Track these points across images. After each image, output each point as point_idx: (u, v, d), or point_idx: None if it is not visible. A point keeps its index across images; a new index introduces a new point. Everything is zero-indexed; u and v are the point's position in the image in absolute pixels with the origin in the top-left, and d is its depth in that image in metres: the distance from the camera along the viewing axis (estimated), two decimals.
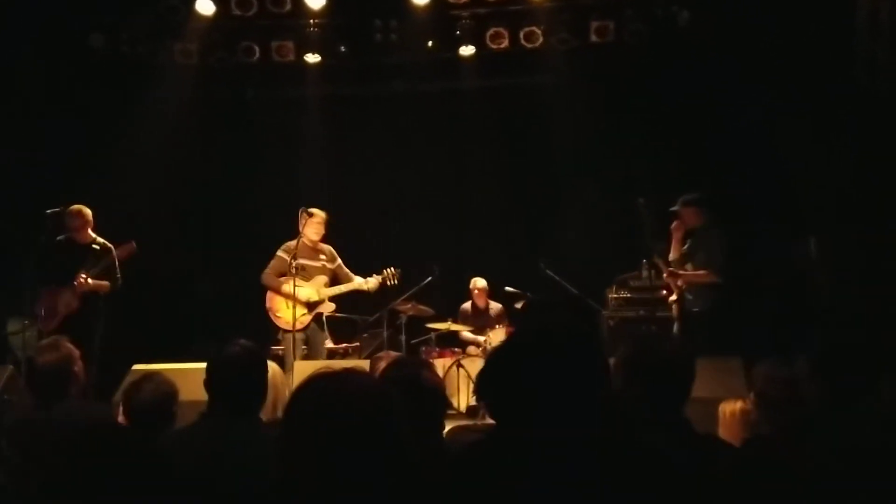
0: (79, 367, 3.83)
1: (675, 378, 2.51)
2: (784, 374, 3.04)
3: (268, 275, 7.34)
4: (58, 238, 7.08)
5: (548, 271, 7.95)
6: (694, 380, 2.55)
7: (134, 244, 7.25)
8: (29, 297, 6.89)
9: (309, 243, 7.30)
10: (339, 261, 7.51)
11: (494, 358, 1.86)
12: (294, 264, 7.11)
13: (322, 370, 1.77)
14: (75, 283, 6.92)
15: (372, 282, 7.41)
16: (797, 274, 8.00)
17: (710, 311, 6.72)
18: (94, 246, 7.09)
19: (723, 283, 6.72)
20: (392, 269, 7.43)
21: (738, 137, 8.52)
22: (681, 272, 6.91)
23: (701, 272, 6.80)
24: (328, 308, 7.40)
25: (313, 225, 7.27)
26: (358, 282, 7.43)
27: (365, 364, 7.34)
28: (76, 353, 3.85)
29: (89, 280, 6.94)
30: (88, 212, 7.11)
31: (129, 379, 5.42)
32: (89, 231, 7.12)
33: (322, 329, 7.52)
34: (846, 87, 7.38)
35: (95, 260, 7.04)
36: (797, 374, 2.93)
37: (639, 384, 2.49)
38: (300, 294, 7.18)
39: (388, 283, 7.43)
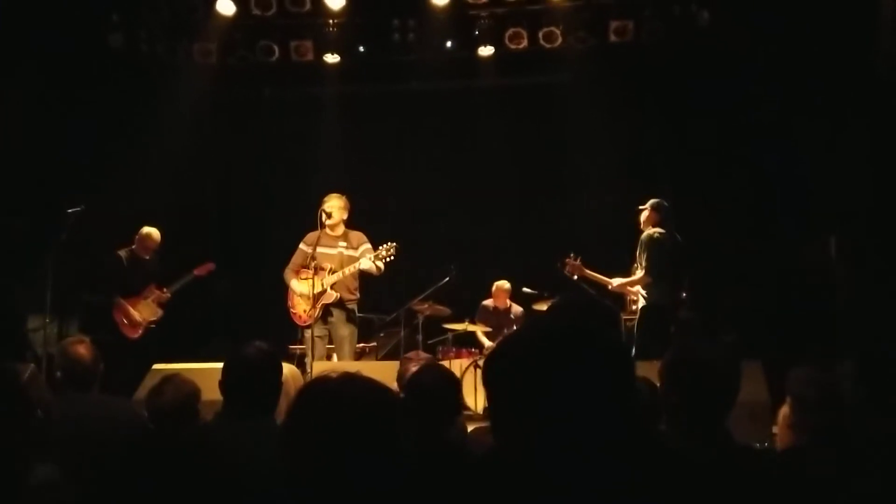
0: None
1: (718, 386, 2.38)
2: (822, 377, 2.97)
3: (287, 270, 7.31)
4: (119, 253, 7.81)
5: (566, 272, 7.92)
6: (738, 390, 2.41)
7: (212, 265, 8.10)
8: (51, 296, 7.02)
9: (329, 231, 7.21)
10: (366, 247, 7.16)
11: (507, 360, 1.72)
12: (311, 255, 6.98)
13: (323, 374, 1.76)
14: (159, 294, 7.78)
15: (366, 262, 7.00)
16: (817, 274, 7.94)
17: (649, 307, 6.89)
18: (152, 259, 7.90)
19: (657, 281, 6.90)
20: (386, 244, 7.03)
21: (757, 137, 8.47)
22: (624, 281, 7.16)
23: (636, 277, 7.04)
24: (329, 297, 7.01)
25: (322, 212, 7.09)
26: (354, 266, 7.06)
27: (384, 366, 7.36)
28: None
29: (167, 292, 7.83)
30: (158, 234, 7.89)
31: (149, 378, 5.47)
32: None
33: (349, 322, 7.19)
34: (867, 85, 7.32)
35: (158, 270, 7.90)
36: (838, 377, 2.86)
37: (680, 391, 2.39)
38: (303, 288, 7.06)
39: (386, 259, 7.01)
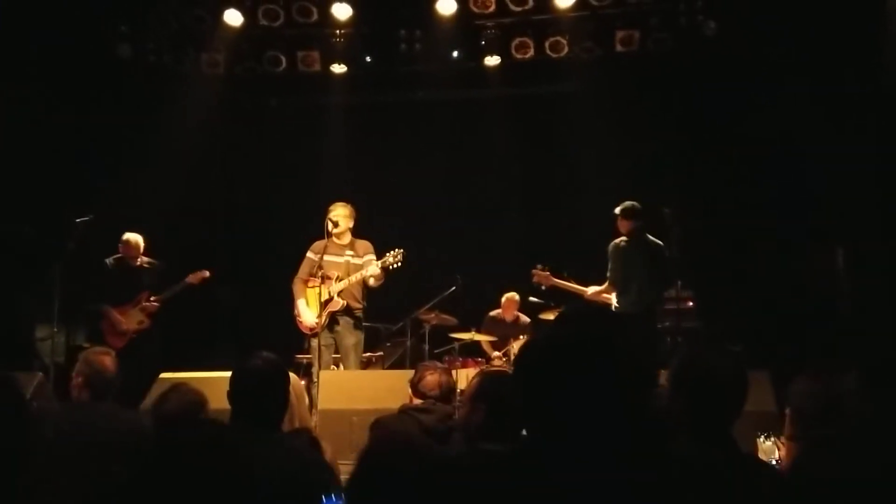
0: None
1: (724, 394, 2.37)
2: (821, 389, 2.95)
3: (296, 280, 7.28)
4: (109, 260, 7.68)
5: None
6: (745, 398, 2.40)
7: (207, 273, 7.84)
8: (59, 306, 7.03)
9: (336, 239, 7.20)
10: (370, 257, 7.15)
11: (528, 364, 1.76)
12: (318, 263, 7.01)
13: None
14: (145, 303, 7.58)
15: (372, 268, 6.98)
16: (824, 284, 7.92)
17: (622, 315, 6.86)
18: (146, 266, 7.74)
19: (623, 290, 6.96)
20: (394, 251, 6.97)
21: (764, 146, 8.46)
22: (598, 290, 7.14)
23: (605, 286, 7.08)
24: (336, 305, 7.02)
25: (328, 221, 7.10)
26: (360, 273, 7.04)
27: (391, 375, 7.35)
28: None
29: (154, 301, 7.61)
30: (140, 239, 7.72)
31: (156, 388, 5.48)
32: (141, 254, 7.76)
33: (355, 331, 7.18)
34: (874, 94, 7.32)
35: (152, 277, 7.68)
36: (842, 388, 2.84)
37: (685, 398, 2.37)
38: (311, 296, 7.09)
39: (392, 267, 6.96)
